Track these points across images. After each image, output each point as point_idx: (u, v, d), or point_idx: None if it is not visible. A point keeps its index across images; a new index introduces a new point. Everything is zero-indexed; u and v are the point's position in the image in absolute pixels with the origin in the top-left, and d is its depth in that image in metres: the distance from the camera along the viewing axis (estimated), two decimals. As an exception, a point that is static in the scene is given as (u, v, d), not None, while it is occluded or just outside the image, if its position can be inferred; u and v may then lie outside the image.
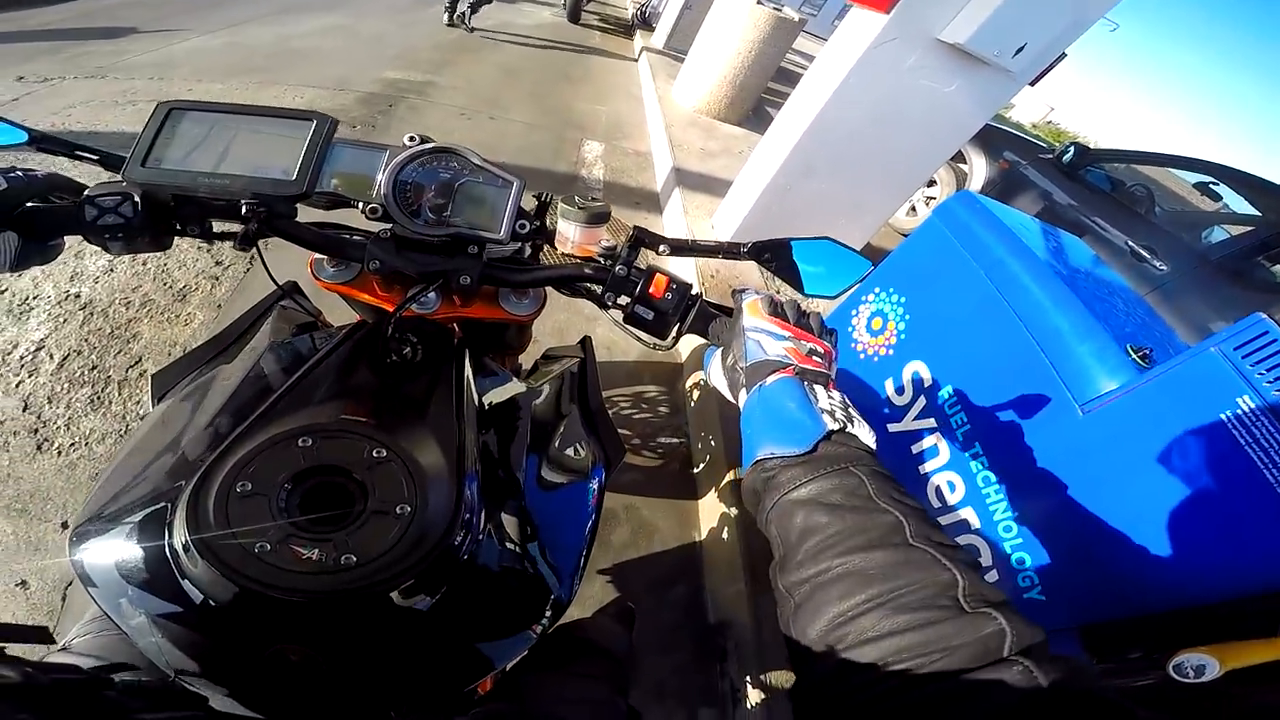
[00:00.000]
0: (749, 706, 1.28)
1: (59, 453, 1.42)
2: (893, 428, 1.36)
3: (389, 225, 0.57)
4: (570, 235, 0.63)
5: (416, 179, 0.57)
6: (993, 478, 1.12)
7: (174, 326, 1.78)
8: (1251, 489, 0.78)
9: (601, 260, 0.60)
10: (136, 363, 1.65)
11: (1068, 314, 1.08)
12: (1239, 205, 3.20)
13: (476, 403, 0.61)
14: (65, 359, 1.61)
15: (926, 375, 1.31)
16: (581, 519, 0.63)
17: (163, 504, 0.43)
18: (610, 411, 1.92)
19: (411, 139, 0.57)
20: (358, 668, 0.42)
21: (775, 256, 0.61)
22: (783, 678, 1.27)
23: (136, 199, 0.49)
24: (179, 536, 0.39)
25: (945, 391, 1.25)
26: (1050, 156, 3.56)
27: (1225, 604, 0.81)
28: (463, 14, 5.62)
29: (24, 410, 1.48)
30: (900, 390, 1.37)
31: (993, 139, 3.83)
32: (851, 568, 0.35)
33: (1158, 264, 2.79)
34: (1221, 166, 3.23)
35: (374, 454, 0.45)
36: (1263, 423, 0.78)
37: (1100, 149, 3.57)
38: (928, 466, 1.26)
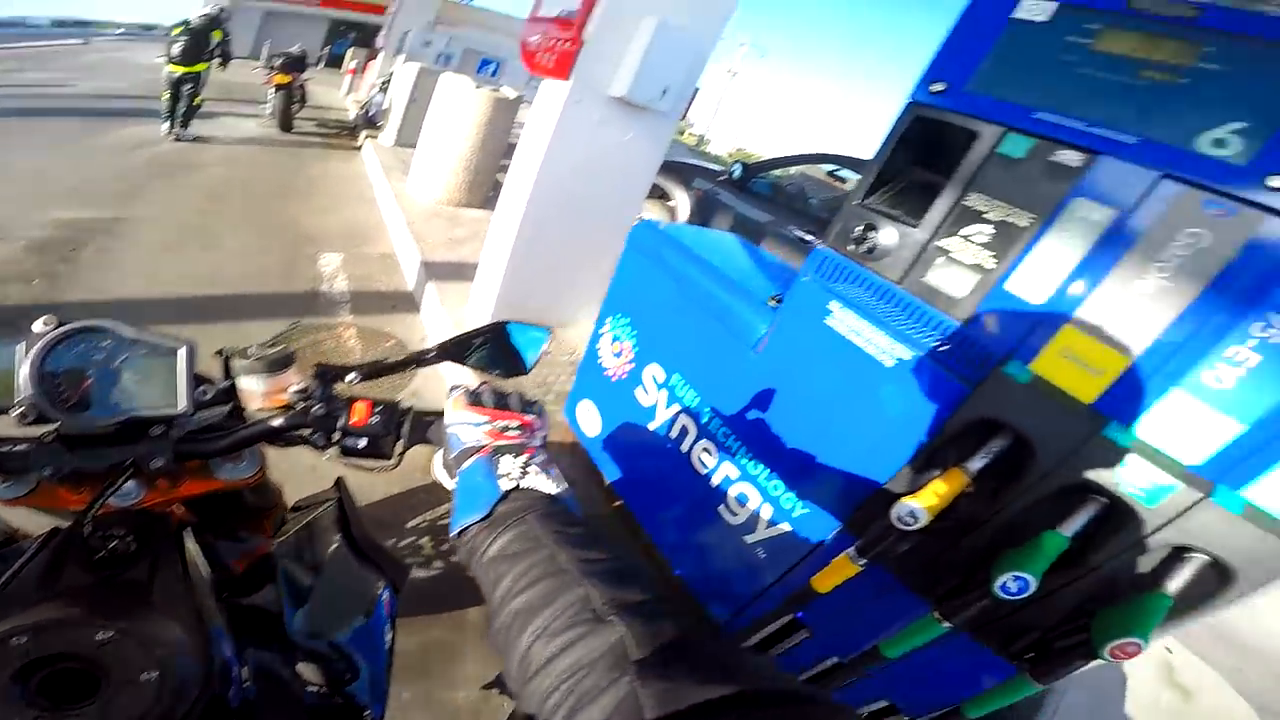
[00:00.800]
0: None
1: None
2: (652, 426, 1.58)
3: (52, 426, 0.51)
4: (255, 388, 0.61)
5: (69, 366, 0.50)
6: (727, 430, 1.37)
7: None
8: (864, 367, 1.07)
9: (295, 406, 0.59)
10: None
11: (726, 287, 1.40)
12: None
13: (209, 572, 0.59)
14: None
15: (660, 373, 1.56)
16: (376, 643, 0.64)
17: None
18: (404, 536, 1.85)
19: (47, 321, 0.50)
20: None
21: (464, 352, 0.65)
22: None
23: None
24: None
25: (675, 379, 1.51)
26: (725, 178, 4.27)
27: (912, 461, 1.02)
28: (182, 121, 5.45)
29: None
30: (647, 392, 1.60)
31: (685, 173, 4.58)
32: (520, 606, 0.38)
33: (819, 241, 3.63)
34: (837, 156, 4.25)
35: (100, 636, 0.44)
36: (847, 315, 1.10)
37: (757, 162, 4.45)
38: (685, 445, 1.48)
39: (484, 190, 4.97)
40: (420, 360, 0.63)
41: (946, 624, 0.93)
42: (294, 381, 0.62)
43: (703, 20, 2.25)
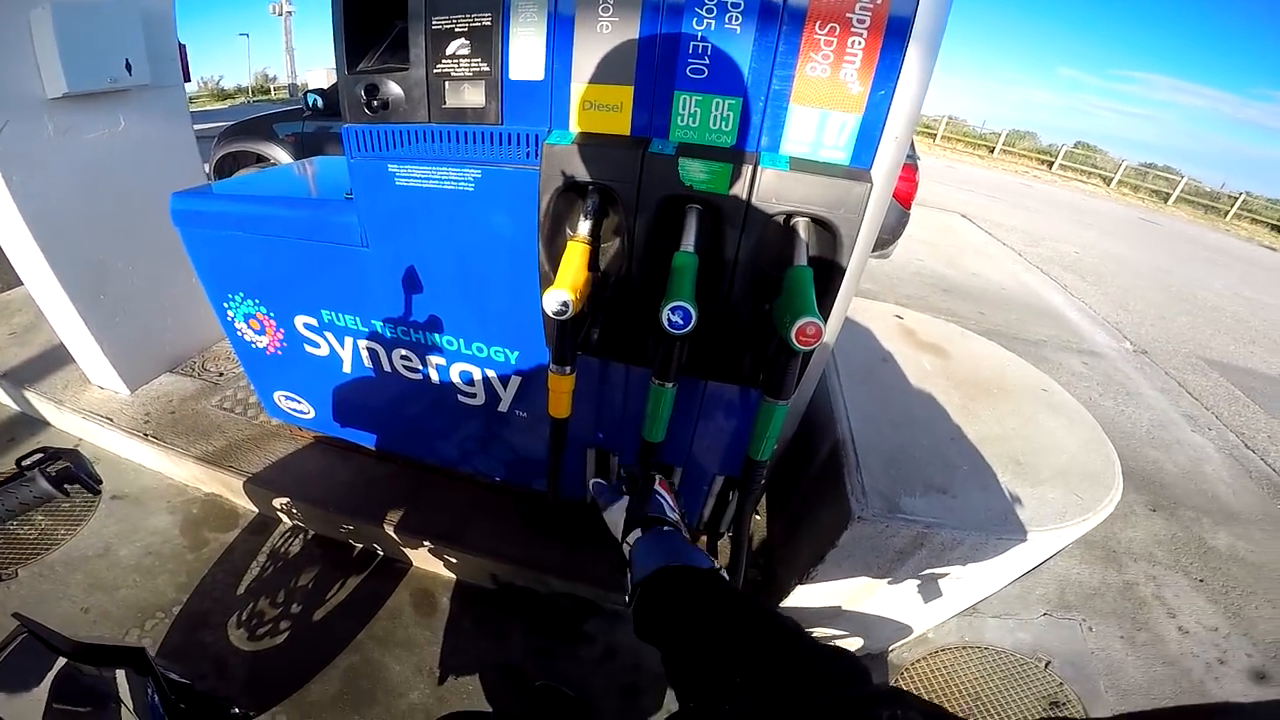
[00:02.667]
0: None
1: None
2: (347, 369, 1.51)
3: None
4: None
5: None
6: (404, 327, 1.36)
7: None
8: (454, 203, 1.10)
9: None
10: None
11: (303, 207, 1.32)
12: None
13: None
14: None
15: (311, 319, 1.45)
16: None
17: None
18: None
19: None
20: None
21: None
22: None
23: None
24: None
25: (327, 315, 1.42)
26: (310, 114, 3.76)
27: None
28: None
29: None
30: (316, 345, 1.50)
31: (266, 126, 3.93)
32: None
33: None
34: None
35: None
36: (409, 169, 1.11)
37: (332, 85, 3.93)
38: (386, 365, 1.47)
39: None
40: None
41: (666, 384, 0.90)
42: None
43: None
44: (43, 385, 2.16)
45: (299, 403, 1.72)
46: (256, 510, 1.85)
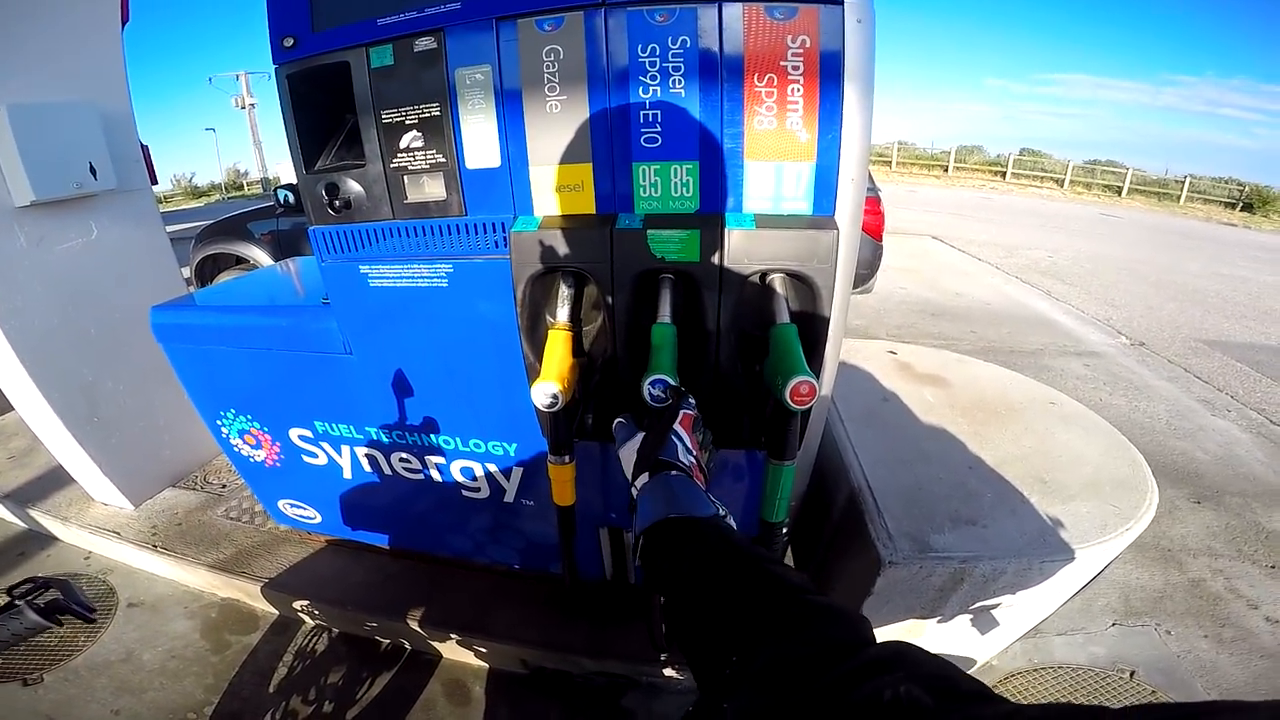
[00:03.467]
0: None
1: None
2: (348, 475, 1.49)
3: None
4: None
5: None
6: (399, 430, 1.33)
7: None
8: (430, 300, 1.10)
9: None
10: None
11: (282, 315, 1.31)
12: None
13: None
14: None
15: (305, 431, 1.44)
16: None
17: None
18: None
19: None
20: None
21: None
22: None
23: None
24: None
25: (320, 426, 1.40)
26: (282, 208, 3.73)
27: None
28: None
29: None
30: (314, 455, 1.49)
31: (241, 226, 3.96)
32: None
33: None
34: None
35: None
36: (380, 269, 1.11)
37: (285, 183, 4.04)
38: (386, 468, 1.45)
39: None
40: None
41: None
42: None
43: (87, 78, 1.81)
44: (46, 504, 2.13)
45: (304, 509, 1.66)
46: (277, 612, 1.78)
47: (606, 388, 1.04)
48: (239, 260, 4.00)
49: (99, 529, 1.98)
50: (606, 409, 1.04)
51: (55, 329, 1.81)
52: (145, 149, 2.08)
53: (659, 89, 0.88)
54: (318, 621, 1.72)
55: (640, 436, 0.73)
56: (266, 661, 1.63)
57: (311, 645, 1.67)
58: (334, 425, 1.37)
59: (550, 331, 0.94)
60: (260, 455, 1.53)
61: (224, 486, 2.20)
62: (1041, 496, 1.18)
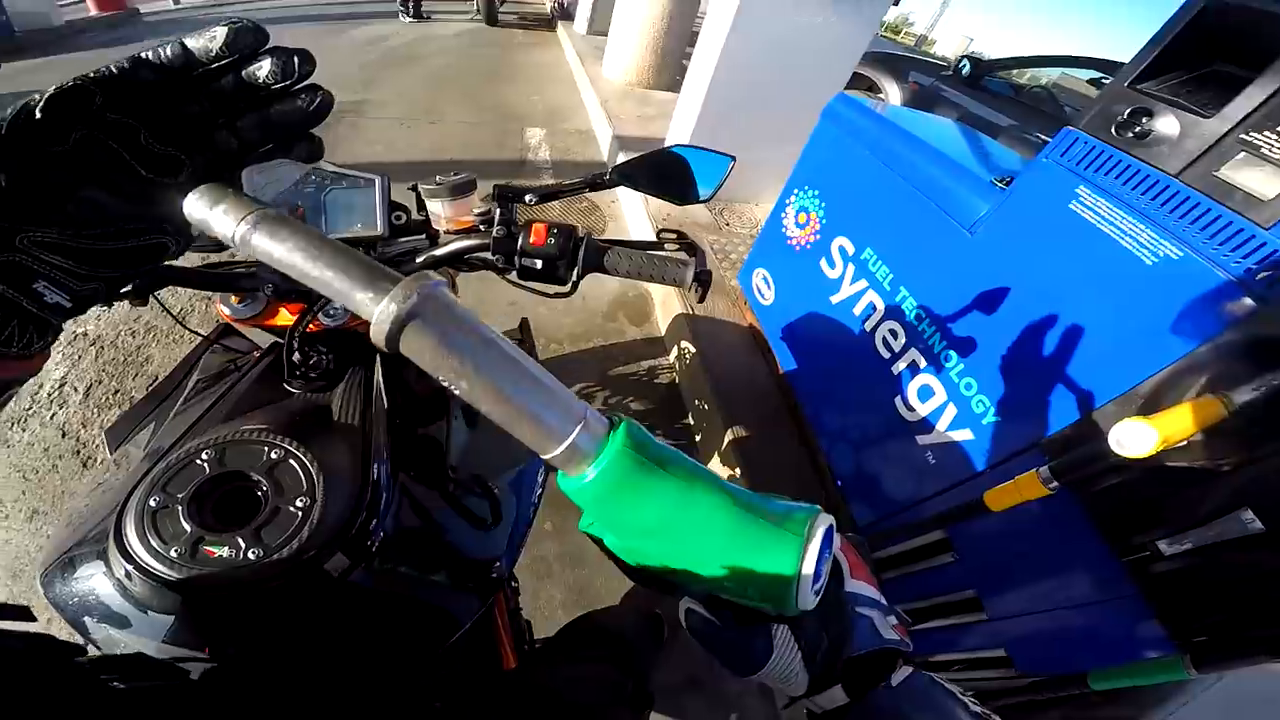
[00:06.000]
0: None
1: (103, 466, 1.56)
2: (834, 299, 1.58)
3: None
4: (441, 212, 0.65)
5: (283, 200, 0.56)
6: (923, 314, 1.30)
7: (181, 346, 1.92)
8: (1115, 262, 0.93)
9: (480, 227, 0.61)
10: (154, 380, 1.79)
11: (940, 165, 1.31)
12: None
13: (388, 400, 0.61)
14: (89, 389, 1.75)
15: (850, 246, 1.53)
16: (525, 495, 0.66)
17: (104, 543, 0.45)
18: (601, 397, 2.03)
19: None
20: (319, 652, 0.45)
21: (640, 176, 0.63)
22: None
23: None
24: (116, 565, 0.43)
25: (867, 253, 1.47)
26: (950, 73, 3.83)
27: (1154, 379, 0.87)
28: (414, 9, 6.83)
29: (63, 437, 1.62)
30: (832, 265, 1.60)
31: (899, 65, 4.12)
32: None
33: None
34: (1099, 59, 3.51)
35: (272, 455, 0.47)
36: (1099, 202, 0.97)
37: (992, 59, 3.86)
38: (870, 323, 1.46)
39: (671, 73, 4.98)
40: (595, 184, 0.62)
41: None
42: (476, 205, 0.65)
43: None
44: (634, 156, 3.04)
45: (768, 289, 1.93)
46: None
47: (1164, 482, 0.83)
48: (871, 86, 4.25)
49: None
50: (1128, 501, 0.85)
51: (747, 63, 2.36)
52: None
53: None
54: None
55: (777, 631, 0.32)
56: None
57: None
58: (879, 263, 1.44)
59: (1209, 397, 0.75)
60: (795, 234, 1.76)
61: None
62: None
